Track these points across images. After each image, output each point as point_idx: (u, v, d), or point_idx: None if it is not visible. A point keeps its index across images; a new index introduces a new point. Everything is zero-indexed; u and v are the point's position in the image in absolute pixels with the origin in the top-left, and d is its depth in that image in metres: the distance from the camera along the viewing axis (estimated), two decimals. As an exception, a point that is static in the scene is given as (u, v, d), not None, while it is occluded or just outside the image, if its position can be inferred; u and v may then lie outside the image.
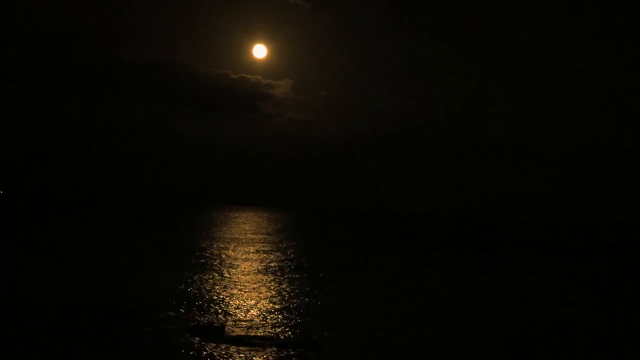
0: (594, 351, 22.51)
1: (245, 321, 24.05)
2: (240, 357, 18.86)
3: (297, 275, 39.15)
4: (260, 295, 30.43)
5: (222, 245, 60.39)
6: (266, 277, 37.52)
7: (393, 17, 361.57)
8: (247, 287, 32.97)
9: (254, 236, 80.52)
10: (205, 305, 27.00)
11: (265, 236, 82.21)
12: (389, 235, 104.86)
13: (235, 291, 31.38)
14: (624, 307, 33.46)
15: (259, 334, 21.86)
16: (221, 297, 29.33)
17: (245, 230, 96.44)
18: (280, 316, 25.37)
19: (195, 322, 23.02)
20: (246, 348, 19.82)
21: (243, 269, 41.55)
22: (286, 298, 29.98)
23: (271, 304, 28.05)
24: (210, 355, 18.84)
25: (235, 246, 60.63)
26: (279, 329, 22.89)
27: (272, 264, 45.42)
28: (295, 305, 28.14)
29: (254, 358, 18.85)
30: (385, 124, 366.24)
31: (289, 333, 22.36)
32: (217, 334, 21.24)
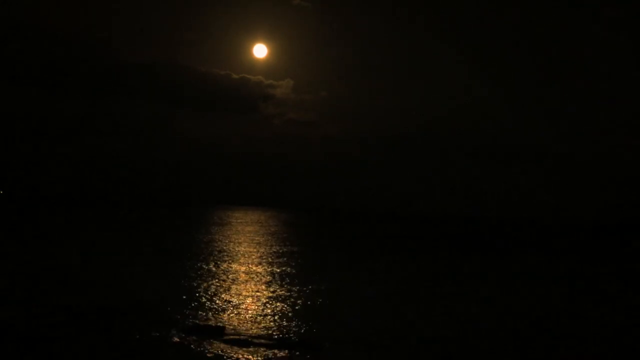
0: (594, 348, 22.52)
1: (245, 321, 24.02)
2: (240, 357, 18.83)
3: (297, 275, 39.11)
4: (260, 295, 30.40)
5: (221, 245, 60.36)
6: (266, 277, 37.49)
7: (394, 17, 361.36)
8: (247, 287, 32.94)
9: (254, 236, 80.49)
10: (205, 305, 26.97)
11: (265, 236, 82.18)
12: (390, 236, 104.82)
13: (235, 291, 31.35)
14: (622, 307, 33.42)
15: (259, 334, 21.83)
16: (221, 297, 29.30)
17: (245, 230, 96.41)
18: (280, 316, 25.33)
19: (195, 322, 23.01)
20: (246, 348, 19.80)
21: (243, 269, 41.52)
22: (286, 298, 29.93)
23: (271, 304, 28.00)
24: (210, 355, 18.80)
25: (235, 246, 60.60)
26: (279, 329, 22.85)
27: (272, 264, 45.37)
28: (295, 305, 28.10)
29: (254, 358, 18.82)
30: (385, 125, 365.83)
31: (289, 333, 22.31)
32: (217, 334, 21.23)
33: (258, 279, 36.76)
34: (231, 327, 22.59)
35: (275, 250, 59.05)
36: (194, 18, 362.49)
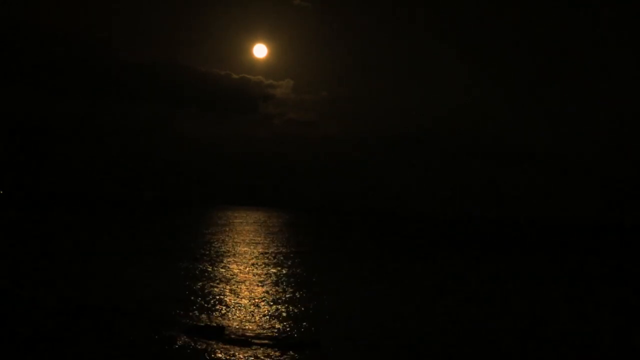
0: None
1: (245, 321, 24.02)
2: (240, 357, 18.82)
3: (297, 275, 39.11)
4: (260, 295, 30.39)
5: (221, 245, 60.34)
6: (266, 277, 37.48)
7: (394, 17, 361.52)
8: (247, 287, 32.93)
9: (254, 236, 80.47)
10: (205, 305, 26.96)
11: (265, 236, 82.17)
12: (390, 236, 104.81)
13: (234, 291, 31.33)
14: (622, 307, 33.41)
15: (259, 334, 21.82)
16: (221, 297, 29.29)
17: (245, 230, 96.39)
18: (280, 316, 25.33)
19: (195, 323, 23.00)
20: (246, 348, 19.79)
21: (242, 269, 41.51)
22: (286, 298, 29.94)
23: (271, 304, 28.00)
24: (210, 355, 18.80)
25: (234, 246, 60.58)
26: (279, 329, 22.85)
27: (271, 264, 45.37)
28: (295, 305, 28.09)
29: (253, 358, 18.81)
30: (385, 125, 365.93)
31: (289, 333, 22.32)
32: (217, 334, 21.21)
33: (258, 279, 36.75)
34: (231, 327, 22.59)
35: (275, 250, 59.04)
36: (194, 18, 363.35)
